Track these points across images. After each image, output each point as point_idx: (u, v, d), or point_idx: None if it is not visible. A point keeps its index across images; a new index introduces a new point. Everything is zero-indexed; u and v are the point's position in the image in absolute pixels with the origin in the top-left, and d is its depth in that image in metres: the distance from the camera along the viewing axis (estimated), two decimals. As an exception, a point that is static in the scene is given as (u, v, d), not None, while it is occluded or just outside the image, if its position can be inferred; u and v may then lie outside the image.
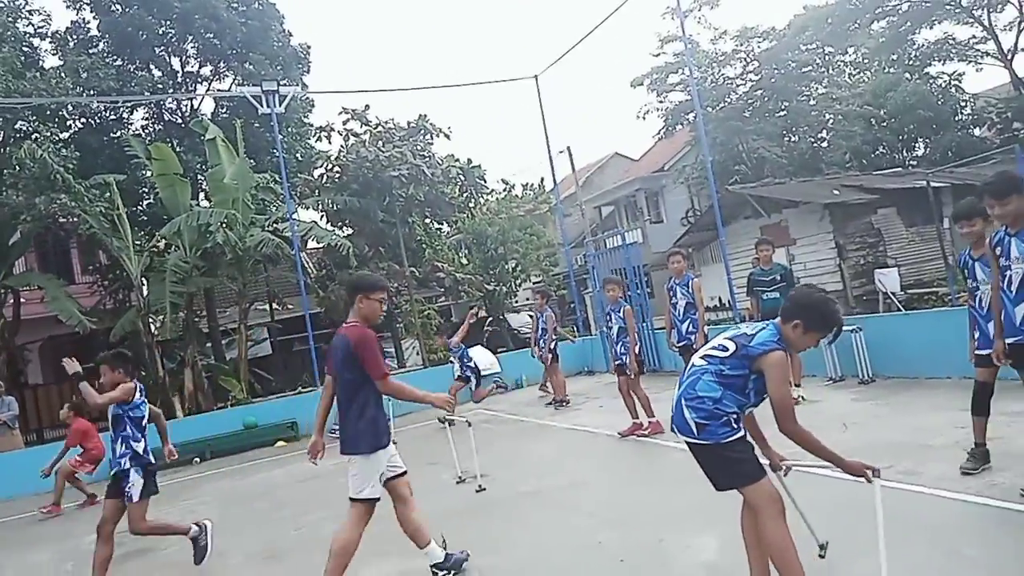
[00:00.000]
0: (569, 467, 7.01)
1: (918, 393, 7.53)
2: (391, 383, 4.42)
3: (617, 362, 8.03)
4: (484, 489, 6.45)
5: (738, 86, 25.00)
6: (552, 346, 11.10)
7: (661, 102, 25.27)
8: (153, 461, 5.37)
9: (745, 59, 24.67)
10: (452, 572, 4.51)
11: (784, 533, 3.03)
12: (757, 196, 18.11)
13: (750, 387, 3.12)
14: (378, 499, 4.41)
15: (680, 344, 8.20)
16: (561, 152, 28.62)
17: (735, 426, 3.11)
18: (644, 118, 25.91)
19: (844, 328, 8.41)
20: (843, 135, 23.75)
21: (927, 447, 5.50)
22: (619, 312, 8.03)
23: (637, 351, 7.84)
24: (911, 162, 24.52)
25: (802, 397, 7.74)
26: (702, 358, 3.23)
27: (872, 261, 16.76)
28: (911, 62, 24.81)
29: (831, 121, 24.38)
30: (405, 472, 4.56)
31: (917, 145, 25.31)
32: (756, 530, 3.19)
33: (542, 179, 28.36)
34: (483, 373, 13.98)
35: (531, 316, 26.88)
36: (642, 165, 34.13)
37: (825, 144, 25.32)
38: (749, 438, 3.21)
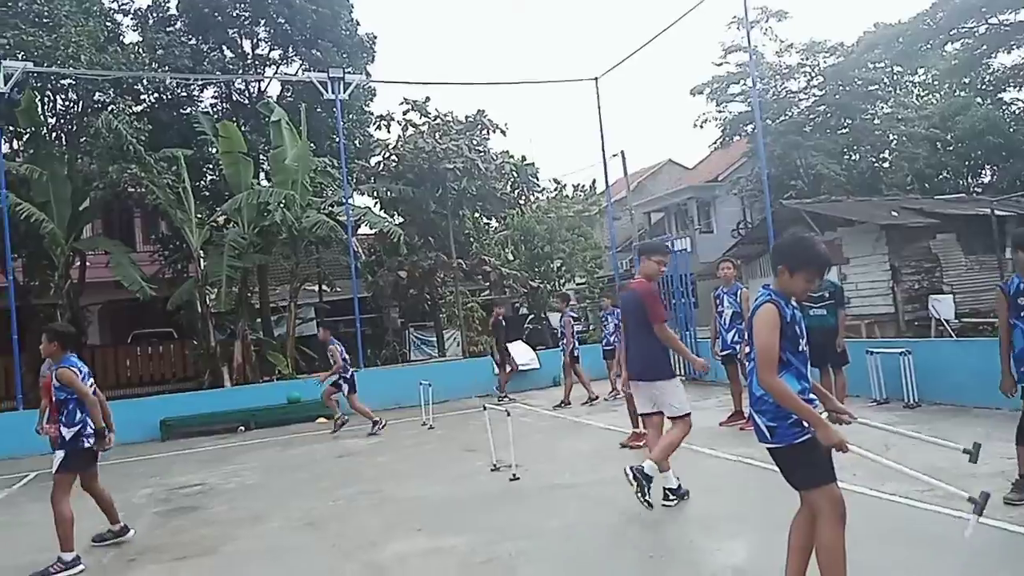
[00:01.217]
0: (603, 464, 7.08)
1: (965, 421, 7.39)
2: (666, 329, 5.41)
3: (726, 351, 8.08)
4: (518, 478, 6.57)
5: (800, 100, 24.62)
6: (571, 349, 11.42)
7: (720, 112, 25.06)
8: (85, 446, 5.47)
9: (810, 73, 24.28)
10: (678, 500, 5.29)
11: (840, 539, 3.03)
12: (812, 212, 17.83)
13: (780, 352, 3.04)
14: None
15: (724, 353, 8.19)
16: (615, 155, 28.54)
17: (804, 426, 3.02)
18: (701, 127, 25.75)
19: (893, 351, 8.29)
20: (906, 157, 23.19)
21: (970, 475, 5.41)
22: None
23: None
24: (976, 189, 23.82)
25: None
26: (750, 359, 3.25)
27: (927, 286, 16.36)
28: (984, 86, 24.08)
29: (894, 142, 23.83)
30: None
31: (984, 172, 24.58)
32: (805, 533, 3.17)
33: (594, 181, 28.41)
34: (520, 368, 14.20)
35: (573, 317, 27.05)
36: (696, 174, 33.81)
37: (887, 165, 24.76)
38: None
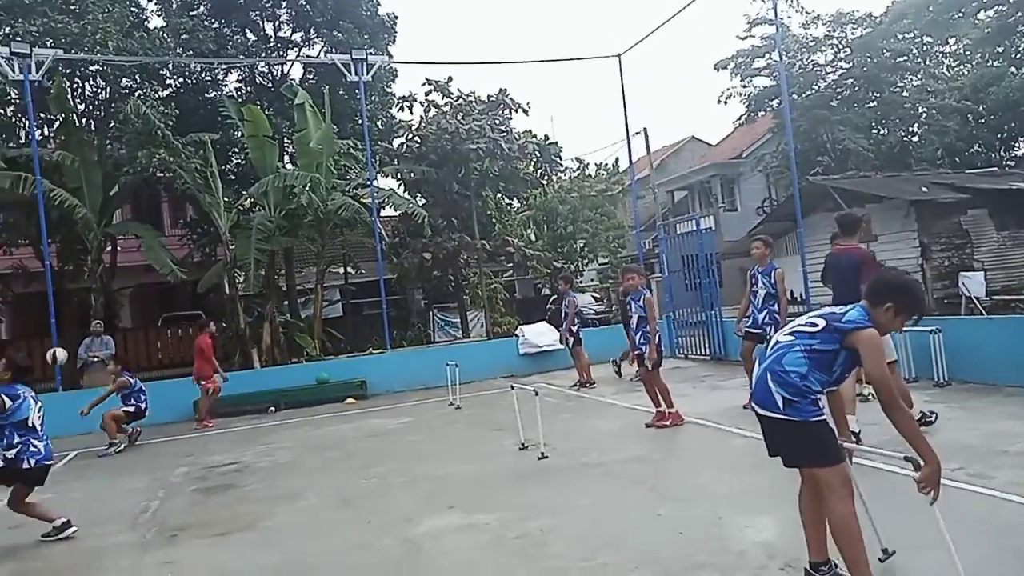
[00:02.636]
0: (631, 444, 7.15)
1: (996, 399, 7.34)
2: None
3: (756, 330, 7.88)
4: (546, 457, 6.67)
5: (827, 73, 24.16)
6: (575, 330, 11.56)
7: (745, 87, 24.69)
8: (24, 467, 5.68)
9: (837, 45, 23.79)
10: (857, 442, 5.29)
11: (852, 514, 3.11)
12: (839, 188, 17.57)
13: (838, 365, 3.17)
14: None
15: (751, 331, 8.01)
16: (637, 133, 28.31)
17: (820, 407, 3.18)
18: (726, 103, 25.38)
19: (923, 328, 8.21)
20: (936, 130, 22.71)
21: (1001, 452, 5.42)
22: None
23: (657, 341, 7.69)
24: (1009, 162, 23.27)
25: (871, 395, 7.64)
26: (789, 334, 3.29)
27: (957, 263, 16.11)
28: (1018, 55, 23.44)
29: (924, 115, 23.33)
30: None
31: (1017, 144, 24.01)
32: (816, 509, 3.28)
33: (616, 159, 28.19)
34: (541, 348, 14.28)
35: (595, 297, 26.99)
36: (719, 151, 33.42)
37: (916, 139, 24.28)
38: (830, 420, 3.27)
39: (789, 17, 23.71)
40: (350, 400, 12.61)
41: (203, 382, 11.30)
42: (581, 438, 7.64)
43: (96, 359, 13.11)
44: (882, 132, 23.81)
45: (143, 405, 10.10)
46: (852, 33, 23.50)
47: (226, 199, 15.85)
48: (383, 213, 19.97)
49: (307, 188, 14.97)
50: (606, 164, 27.90)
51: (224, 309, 16.49)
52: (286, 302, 18.91)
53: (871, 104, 23.47)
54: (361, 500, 6.06)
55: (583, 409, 9.64)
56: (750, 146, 28.71)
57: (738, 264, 24.93)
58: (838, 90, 23.71)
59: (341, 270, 22.03)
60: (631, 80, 35.03)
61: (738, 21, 34.67)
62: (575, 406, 9.94)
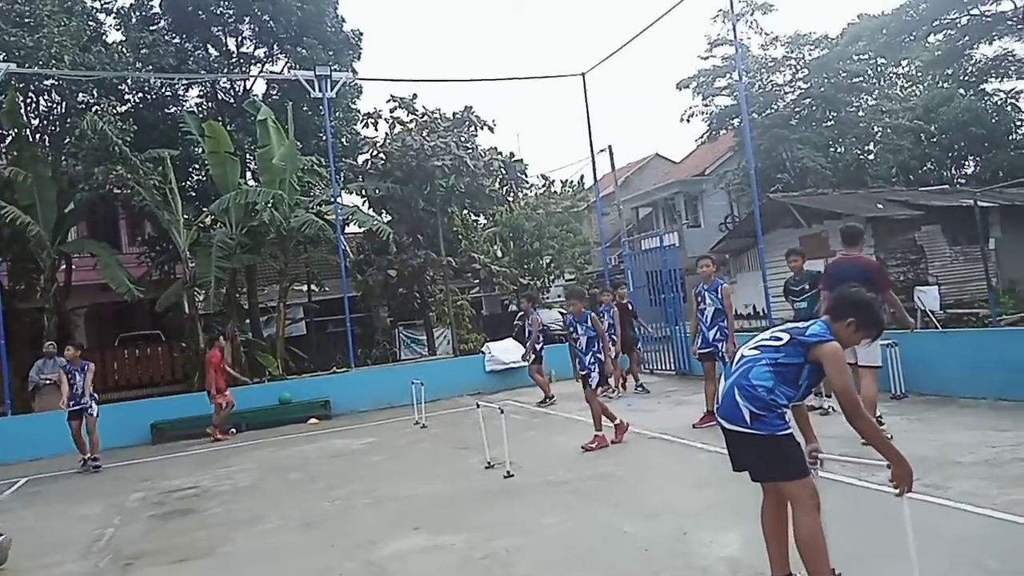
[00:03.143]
0: (596, 461, 7.14)
1: (951, 411, 7.51)
2: (892, 295, 6.68)
3: (707, 349, 8.03)
4: (512, 475, 6.62)
5: (786, 93, 24.76)
6: (539, 348, 11.74)
7: (707, 105, 25.15)
8: None
9: (795, 66, 24.42)
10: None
11: (819, 527, 3.14)
12: (799, 206, 17.98)
13: (803, 379, 3.22)
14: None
15: (705, 351, 8.16)
16: (602, 151, 28.57)
17: (787, 420, 3.23)
18: (688, 121, 25.82)
19: (880, 342, 8.43)
20: (891, 149, 23.39)
21: (955, 463, 5.53)
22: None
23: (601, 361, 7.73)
24: (959, 180, 24.07)
25: (832, 408, 7.76)
26: (754, 348, 3.33)
27: (912, 278, 16.55)
28: (966, 77, 24.32)
29: (879, 134, 24.03)
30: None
31: (967, 163, 24.84)
32: (779, 524, 3.32)
33: (582, 176, 28.42)
34: (508, 365, 14.26)
35: (561, 314, 26.99)
36: (683, 168, 33.92)
37: (872, 157, 24.97)
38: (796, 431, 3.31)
39: (749, 38, 24.33)
40: (313, 420, 12.39)
41: (216, 396, 11.32)
42: (547, 455, 7.60)
43: (48, 381, 12.66)
44: (839, 150, 24.45)
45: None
46: (810, 54, 24.16)
47: (186, 216, 15.59)
48: (348, 230, 19.81)
49: (270, 205, 14.80)
50: (571, 181, 28.13)
51: (183, 328, 16.16)
52: (248, 320, 18.58)
53: (828, 123, 24.09)
54: (324, 523, 5.94)
55: (549, 426, 9.62)
56: (712, 163, 29.19)
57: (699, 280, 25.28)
58: (797, 109, 24.31)
59: (305, 288, 21.75)
60: (595, 98, 35.58)
61: (700, 41, 35.45)
62: (541, 423, 9.91)
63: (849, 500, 4.78)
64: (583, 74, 16.64)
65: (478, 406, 7.70)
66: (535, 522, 5.27)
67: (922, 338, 9.95)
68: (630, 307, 12.29)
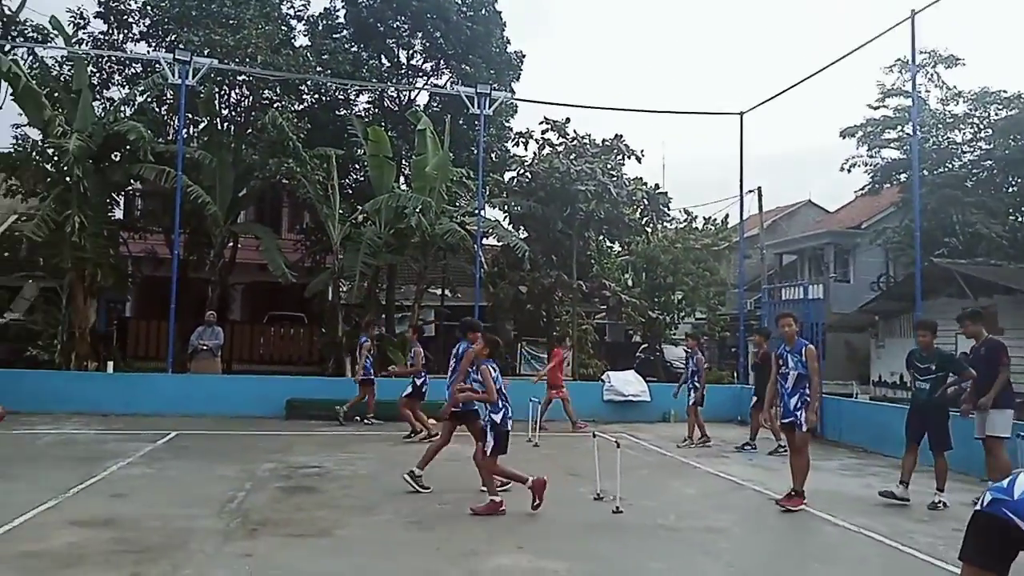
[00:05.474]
0: (711, 512, 6.89)
1: None
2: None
3: (787, 419, 7.16)
4: (621, 511, 6.52)
5: (964, 152, 22.86)
6: (701, 390, 11.40)
7: (871, 157, 23.71)
8: None
9: (978, 125, 22.51)
10: None
11: None
12: (965, 274, 16.53)
13: None
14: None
15: (785, 421, 7.21)
16: (751, 191, 27.67)
17: None
18: (849, 171, 24.39)
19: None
20: (1081, 224, 21.00)
21: None
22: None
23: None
24: None
25: (943, 503, 7.11)
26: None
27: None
28: None
29: (1069, 206, 21.64)
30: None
31: None
32: None
33: (727, 216, 27.58)
34: (627, 398, 14.05)
35: (686, 351, 26.26)
36: (837, 218, 32.16)
37: (1057, 231, 22.49)
38: None
39: (928, 91, 22.71)
40: (432, 421, 12.76)
41: (553, 392, 12.36)
42: (659, 497, 7.43)
43: (205, 347, 13.91)
44: (1019, 220, 22.26)
45: (420, 382, 10.77)
46: (996, 113, 22.21)
47: (341, 211, 16.63)
48: (486, 242, 20.37)
49: (418, 210, 15.51)
50: (714, 218, 27.38)
51: (325, 315, 17.18)
52: (383, 316, 19.49)
53: (1011, 188, 22.02)
54: (433, 524, 6.11)
55: (664, 467, 9.40)
56: (870, 218, 27.48)
57: (844, 338, 23.76)
58: (974, 171, 22.40)
59: (439, 292, 22.53)
60: (750, 137, 34.49)
61: (869, 89, 33.43)
62: (656, 463, 9.69)
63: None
64: (741, 114, 16.25)
65: (594, 435, 7.66)
66: (641, 564, 5.17)
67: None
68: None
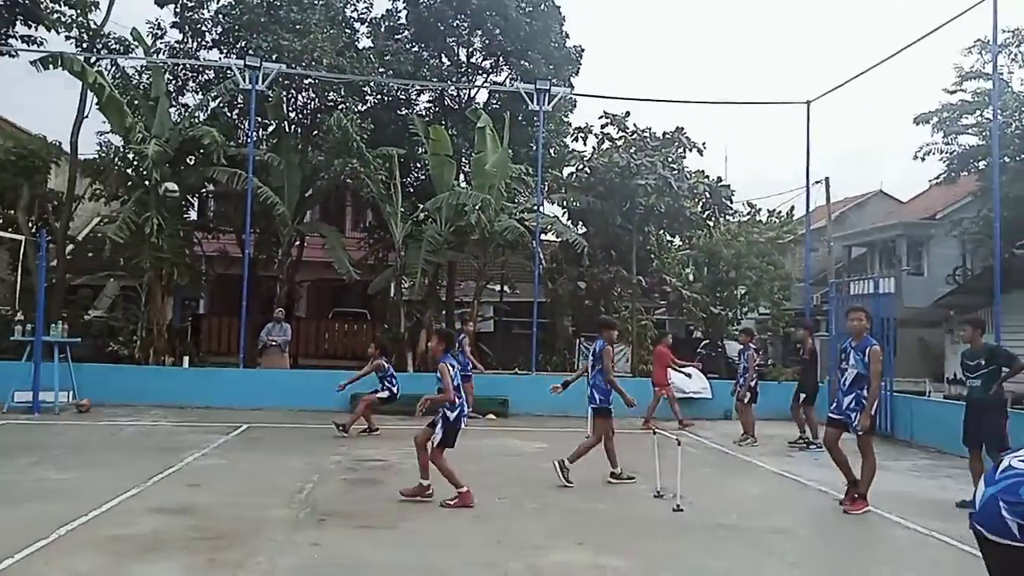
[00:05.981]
0: (774, 511, 6.80)
1: None
2: None
3: (838, 416, 6.85)
4: (681, 510, 6.50)
5: (1050, 138, 21.62)
6: (752, 384, 11.13)
7: (947, 144, 22.68)
8: None
9: (1065, 108, 21.25)
10: None
11: None
12: (1050, 267, 15.67)
13: None
14: None
15: (835, 418, 6.92)
16: (818, 182, 26.85)
17: None
18: (923, 159, 23.40)
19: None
20: None
21: None
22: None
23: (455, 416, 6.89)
24: None
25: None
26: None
27: None
28: None
29: None
30: None
31: None
32: None
33: (792, 208, 26.89)
34: (687, 394, 13.90)
35: (741, 347, 25.64)
36: (909, 209, 30.90)
37: None
38: None
39: (1011, 72, 21.58)
40: (491, 416, 12.94)
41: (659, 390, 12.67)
42: (720, 496, 7.37)
43: (274, 343, 14.43)
44: (1110, 208, 20.91)
45: (395, 389, 10.98)
46: (1086, 95, 20.93)
47: (403, 210, 16.94)
48: (544, 238, 20.39)
49: (478, 208, 15.67)
50: (779, 211, 26.67)
51: (388, 311, 17.56)
52: (443, 312, 19.77)
53: (1100, 175, 20.70)
54: (493, 518, 6.22)
55: (725, 466, 9.28)
56: (946, 208, 26.29)
57: (917, 334, 22.85)
58: (1061, 156, 21.18)
59: (498, 288, 22.70)
60: (817, 126, 33.44)
61: (945, 73, 31.73)
62: (717, 461, 9.59)
63: None
64: (808, 103, 15.81)
65: (654, 433, 7.64)
66: (702, 564, 5.16)
67: None
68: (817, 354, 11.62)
